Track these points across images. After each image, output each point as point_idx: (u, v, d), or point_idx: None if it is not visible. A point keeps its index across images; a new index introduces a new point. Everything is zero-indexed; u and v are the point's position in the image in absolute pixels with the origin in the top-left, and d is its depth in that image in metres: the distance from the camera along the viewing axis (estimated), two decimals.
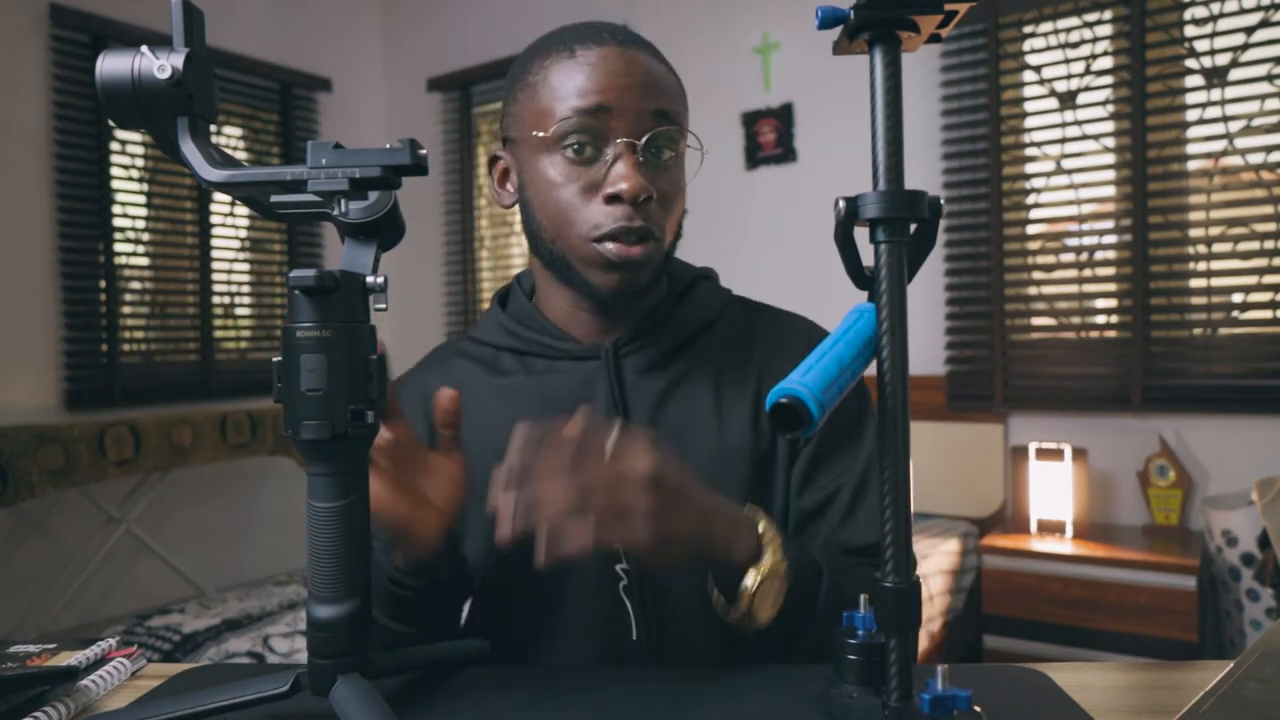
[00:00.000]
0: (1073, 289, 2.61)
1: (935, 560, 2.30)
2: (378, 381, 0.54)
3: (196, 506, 3.28)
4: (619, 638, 0.75)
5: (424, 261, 4.00)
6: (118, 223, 3.11)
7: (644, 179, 0.72)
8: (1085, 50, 2.56)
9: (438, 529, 0.67)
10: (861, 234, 0.54)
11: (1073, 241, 2.61)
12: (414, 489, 0.65)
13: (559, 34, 0.78)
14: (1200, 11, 2.39)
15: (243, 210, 3.51)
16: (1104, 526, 2.52)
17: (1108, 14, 2.54)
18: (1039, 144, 2.64)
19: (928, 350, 2.78)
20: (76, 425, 2.63)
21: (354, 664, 0.54)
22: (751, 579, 0.64)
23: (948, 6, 0.50)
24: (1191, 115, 2.43)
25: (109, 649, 0.71)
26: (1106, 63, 2.55)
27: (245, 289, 3.58)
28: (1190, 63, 2.41)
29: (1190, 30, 2.42)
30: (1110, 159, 2.55)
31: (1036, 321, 2.67)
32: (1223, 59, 2.37)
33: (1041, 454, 2.49)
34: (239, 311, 3.59)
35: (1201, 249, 2.41)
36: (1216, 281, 2.40)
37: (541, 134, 0.74)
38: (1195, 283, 2.44)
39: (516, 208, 0.82)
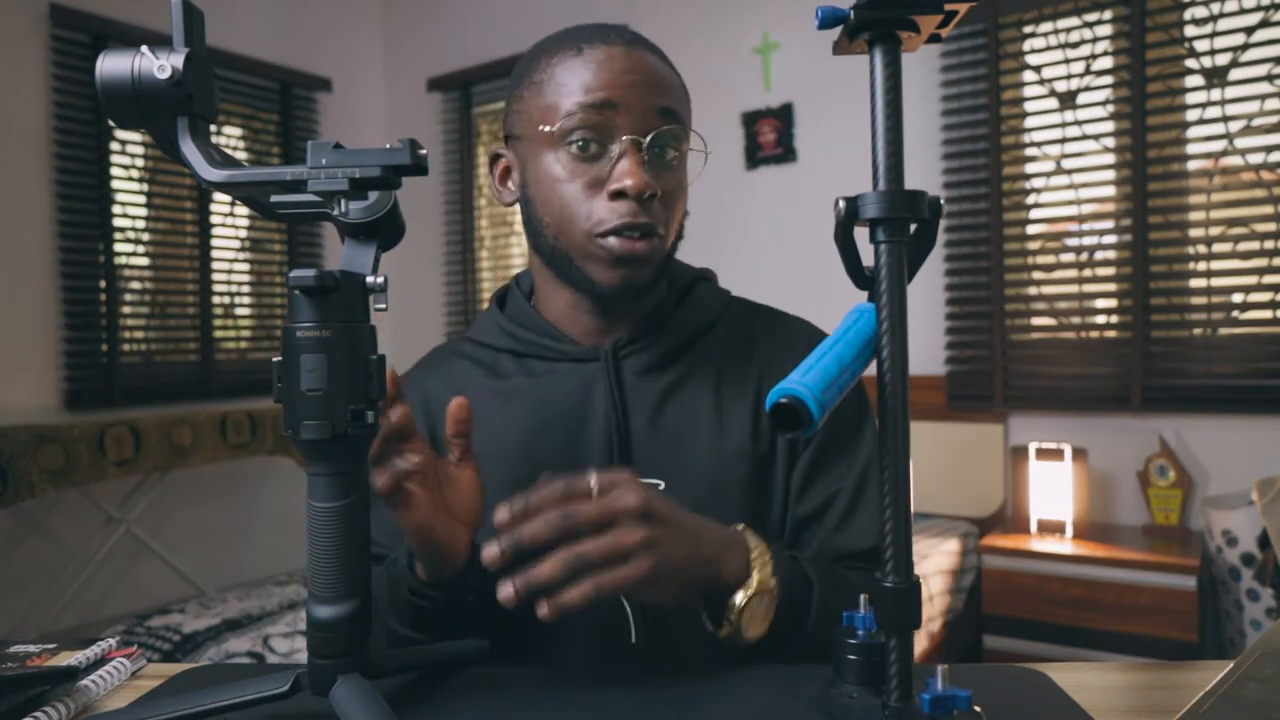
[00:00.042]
0: (1073, 289, 2.61)
1: (935, 560, 2.30)
2: (378, 382, 0.54)
3: (196, 506, 3.28)
4: (618, 641, 0.75)
5: (424, 261, 4.00)
6: (118, 223, 3.11)
7: (648, 176, 0.73)
8: (1085, 50, 2.56)
9: (467, 542, 0.66)
10: (861, 234, 0.54)
11: (1073, 241, 2.61)
12: (444, 505, 0.64)
13: (565, 34, 0.78)
14: (1200, 11, 2.39)
15: (243, 210, 3.51)
16: (1104, 526, 2.52)
17: (1108, 14, 2.54)
18: (1039, 144, 2.64)
19: (928, 350, 2.78)
20: (76, 425, 2.63)
21: (354, 664, 0.54)
22: (740, 597, 0.64)
23: (948, 6, 0.50)
24: (1191, 115, 2.43)
25: (109, 649, 0.70)
26: (1106, 63, 2.55)
27: (245, 289, 3.58)
28: (1190, 63, 2.41)
29: (1190, 30, 2.42)
30: (1110, 159, 2.55)
31: (1036, 321, 2.67)
32: (1223, 59, 2.37)
33: (1041, 454, 2.49)
34: (239, 311, 3.59)
35: (1201, 249, 2.41)
36: (1216, 281, 2.40)
37: (547, 128, 0.74)
38: (1195, 283, 2.44)
39: (517, 207, 0.82)
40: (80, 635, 2.55)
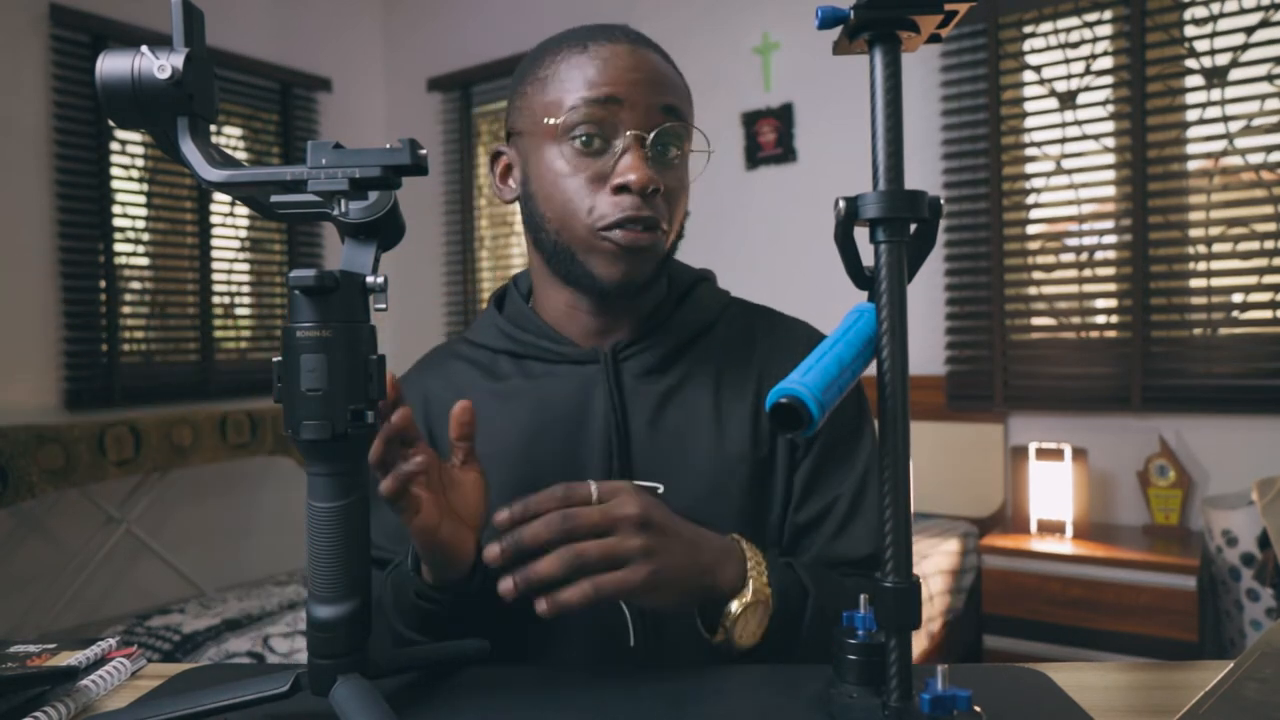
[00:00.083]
0: (1073, 289, 2.61)
1: (935, 560, 2.30)
2: (378, 382, 0.54)
3: (196, 506, 3.28)
4: (617, 644, 0.75)
5: (424, 261, 4.00)
6: (118, 223, 3.11)
7: (652, 172, 0.73)
8: (1085, 50, 2.56)
9: (473, 544, 0.66)
10: (861, 234, 0.54)
11: (1073, 241, 2.61)
12: (450, 508, 0.64)
13: (570, 32, 0.78)
14: (1200, 11, 2.39)
15: (243, 210, 3.51)
16: (1104, 526, 2.52)
17: (1108, 14, 2.54)
18: (1039, 144, 2.64)
19: (928, 350, 2.78)
20: (76, 425, 2.63)
21: (354, 664, 0.54)
22: (735, 606, 0.66)
23: (948, 6, 0.50)
24: (1191, 115, 2.43)
25: (109, 649, 0.70)
26: (1106, 63, 2.55)
27: (245, 289, 3.58)
28: (1190, 63, 2.41)
29: (1190, 30, 2.42)
30: (1110, 159, 2.55)
31: (1036, 321, 2.67)
32: (1223, 59, 2.37)
33: (1041, 454, 2.49)
34: (239, 311, 3.59)
35: (1201, 249, 2.41)
36: (1216, 281, 2.40)
37: (552, 120, 0.74)
38: (1195, 283, 2.44)
39: (517, 205, 0.82)
40: (80, 635, 2.55)
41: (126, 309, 3.18)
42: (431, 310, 3.98)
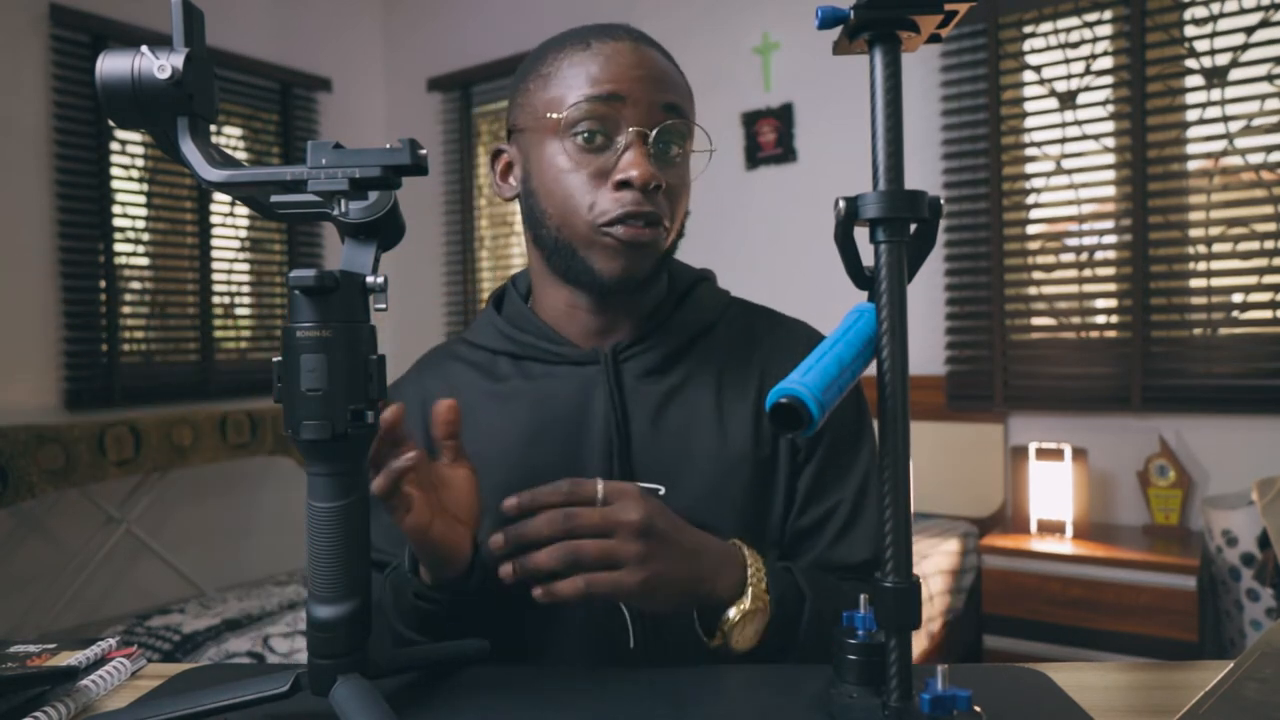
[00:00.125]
0: (1073, 289, 2.61)
1: (935, 560, 2.30)
2: (378, 382, 0.54)
3: (196, 506, 3.28)
4: (617, 646, 0.75)
5: (424, 261, 4.00)
6: (118, 223, 3.11)
7: (654, 168, 0.73)
8: (1085, 50, 2.56)
9: (469, 542, 0.66)
10: (861, 234, 0.54)
11: (1073, 241, 2.61)
12: (442, 507, 0.65)
13: (572, 31, 0.78)
14: (1200, 11, 2.39)
15: (243, 210, 3.51)
16: (1104, 526, 2.52)
17: (1108, 14, 2.54)
18: (1039, 144, 2.64)
19: (928, 350, 2.78)
20: (76, 425, 2.63)
21: (354, 664, 0.54)
22: (733, 613, 0.67)
23: (948, 6, 0.50)
24: (1191, 115, 2.43)
25: (109, 649, 0.70)
26: (1106, 63, 2.55)
27: (245, 289, 3.58)
28: (1190, 63, 2.41)
29: (1190, 30, 2.42)
30: (1110, 159, 2.55)
31: (1036, 321, 2.67)
32: (1223, 59, 2.37)
33: (1041, 454, 2.49)
34: (239, 311, 3.59)
35: (1201, 249, 2.41)
36: (1216, 281, 2.40)
37: (554, 115, 0.74)
38: (1195, 283, 2.44)
39: (517, 204, 0.82)
40: (80, 635, 2.55)
41: (126, 309, 3.18)
42: (431, 310, 3.98)
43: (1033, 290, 2.67)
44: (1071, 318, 2.62)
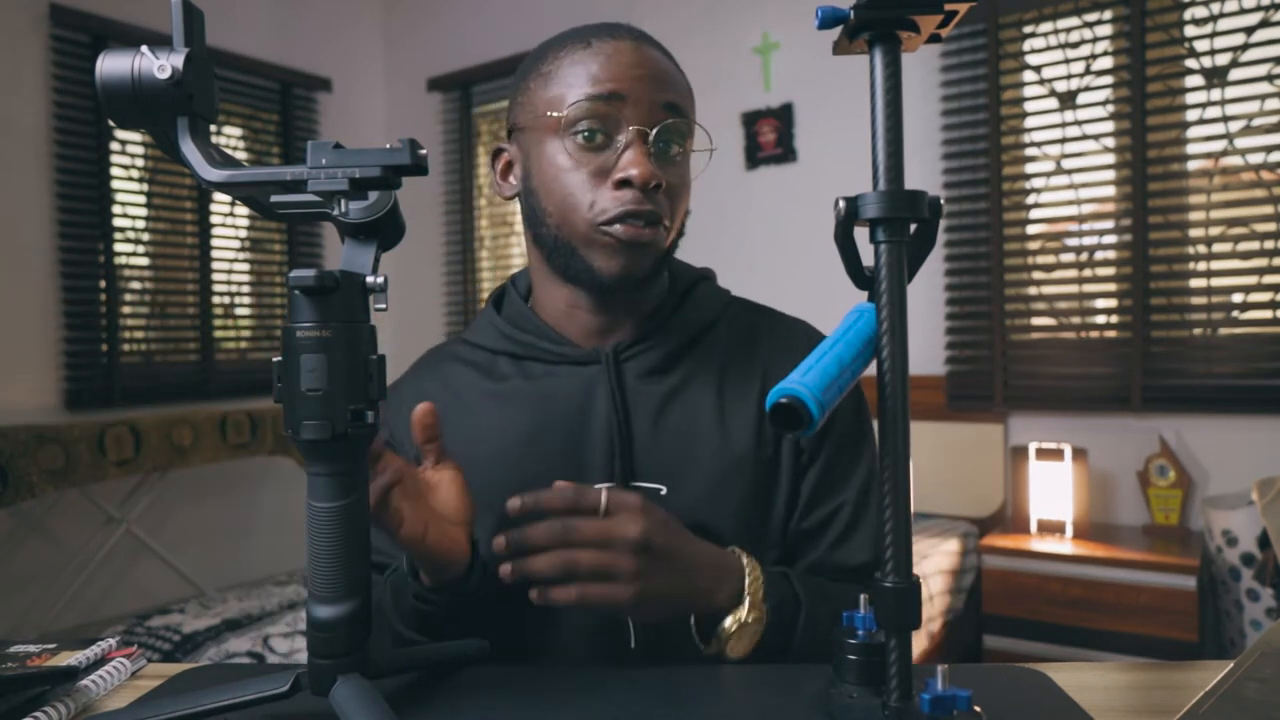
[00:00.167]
0: (1073, 289, 2.61)
1: (935, 560, 2.30)
2: (378, 382, 0.54)
3: (196, 506, 3.28)
4: (617, 646, 0.75)
5: (424, 261, 4.00)
6: (118, 223, 3.11)
7: (654, 167, 0.73)
8: (1085, 50, 2.56)
9: (465, 543, 0.67)
10: (861, 234, 0.54)
11: (1073, 241, 2.61)
12: (434, 512, 0.65)
13: (573, 30, 0.78)
14: (1200, 11, 2.39)
15: (243, 210, 3.51)
16: (1104, 526, 2.52)
17: (1108, 14, 2.54)
18: (1039, 144, 2.64)
19: (928, 350, 2.78)
20: (76, 425, 2.63)
21: (354, 664, 0.54)
22: (729, 623, 0.67)
23: (948, 6, 0.50)
24: (1191, 115, 2.43)
25: (109, 649, 0.70)
26: (1106, 63, 2.55)
27: (245, 289, 3.58)
28: (1190, 63, 2.41)
29: (1190, 30, 2.42)
30: (1110, 159, 2.55)
31: (1036, 321, 2.67)
32: (1223, 59, 2.37)
33: (1041, 454, 2.49)
34: (239, 311, 3.59)
35: (1201, 249, 2.41)
36: (1216, 281, 2.40)
37: (554, 114, 0.74)
38: (1195, 283, 2.44)
39: (517, 203, 0.82)
40: (80, 635, 2.55)
41: (126, 309, 3.18)
42: (431, 310, 3.98)
43: (1033, 290, 2.67)
44: (1071, 318, 2.62)
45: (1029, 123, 2.67)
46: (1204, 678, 0.56)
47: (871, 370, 0.54)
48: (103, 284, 3.05)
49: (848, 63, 2.68)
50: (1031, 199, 2.67)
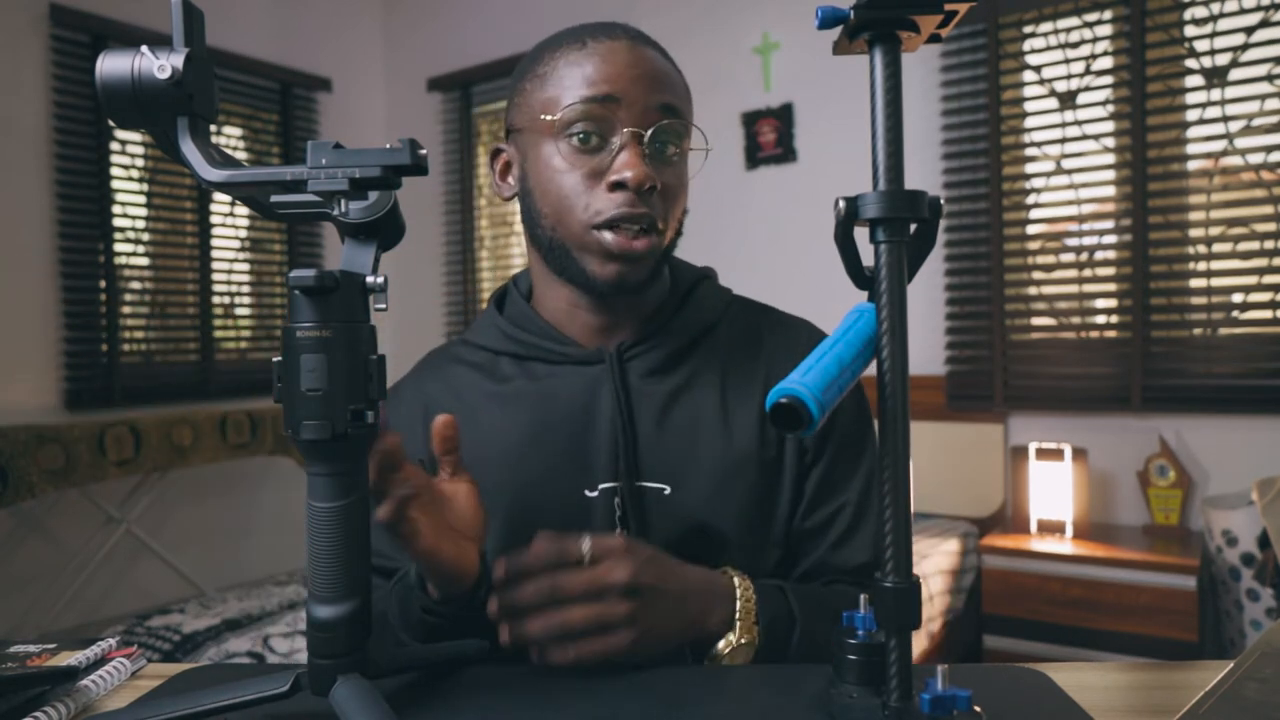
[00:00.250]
0: (1073, 289, 2.61)
1: (935, 560, 2.30)
2: (378, 382, 0.54)
3: (196, 506, 3.28)
4: None
5: (424, 261, 4.00)
6: (118, 223, 3.11)
7: (648, 169, 0.73)
8: (1085, 50, 2.56)
9: (475, 556, 0.66)
10: (861, 234, 0.54)
11: (1073, 241, 2.61)
12: (447, 525, 0.64)
13: (570, 30, 0.78)
14: (1200, 11, 2.39)
15: (243, 210, 3.51)
16: (1104, 526, 2.52)
17: (1108, 14, 2.54)
18: (1039, 144, 2.64)
19: (928, 350, 2.78)
20: (76, 425, 2.63)
21: (354, 664, 0.54)
22: (722, 646, 0.67)
23: (948, 6, 0.50)
24: (1191, 115, 2.43)
25: (109, 649, 0.70)
26: (1106, 63, 2.55)
27: (245, 289, 3.58)
28: (1190, 63, 2.41)
29: (1190, 30, 2.42)
30: (1110, 159, 2.55)
31: (1036, 321, 2.67)
32: (1223, 59, 2.37)
33: (1041, 454, 2.49)
34: (239, 311, 3.59)
35: (1201, 249, 2.41)
36: (1216, 281, 2.40)
37: (549, 117, 0.74)
38: (1195, 283, 2.44)
39: (517, 202, 0.82)
40: (80, 635, 2.55)
41: (126, 309, 3.18)
42: (431, 310, 3.98)
43: (1033, 290, 2.67)
44: (1071, 318, 2.62)
45: (1029, 123, 2.67)
46: (1204, 678, 0.56)
47: (871, 370, 0.54)
48: (103, 284, 3.05)
49: (848, 63, 2.68)
50: (1031, 199, 2.67)
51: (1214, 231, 2.39)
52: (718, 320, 0.84)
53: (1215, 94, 2.38)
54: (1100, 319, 2.60)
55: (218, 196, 3.33)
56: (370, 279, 0.54)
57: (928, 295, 2.77)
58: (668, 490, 0.75)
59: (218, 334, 3.47)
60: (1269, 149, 2.31)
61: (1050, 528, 2.43)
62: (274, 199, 0.57)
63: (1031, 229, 2.67)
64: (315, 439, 0.51)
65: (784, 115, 3.06)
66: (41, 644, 0.73)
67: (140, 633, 2.22)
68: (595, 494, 0.76)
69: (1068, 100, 2.58)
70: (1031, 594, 2.29)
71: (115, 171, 3.10)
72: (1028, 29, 2.65)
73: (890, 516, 0.52)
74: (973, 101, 2.72)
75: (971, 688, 0.50)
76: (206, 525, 3.31)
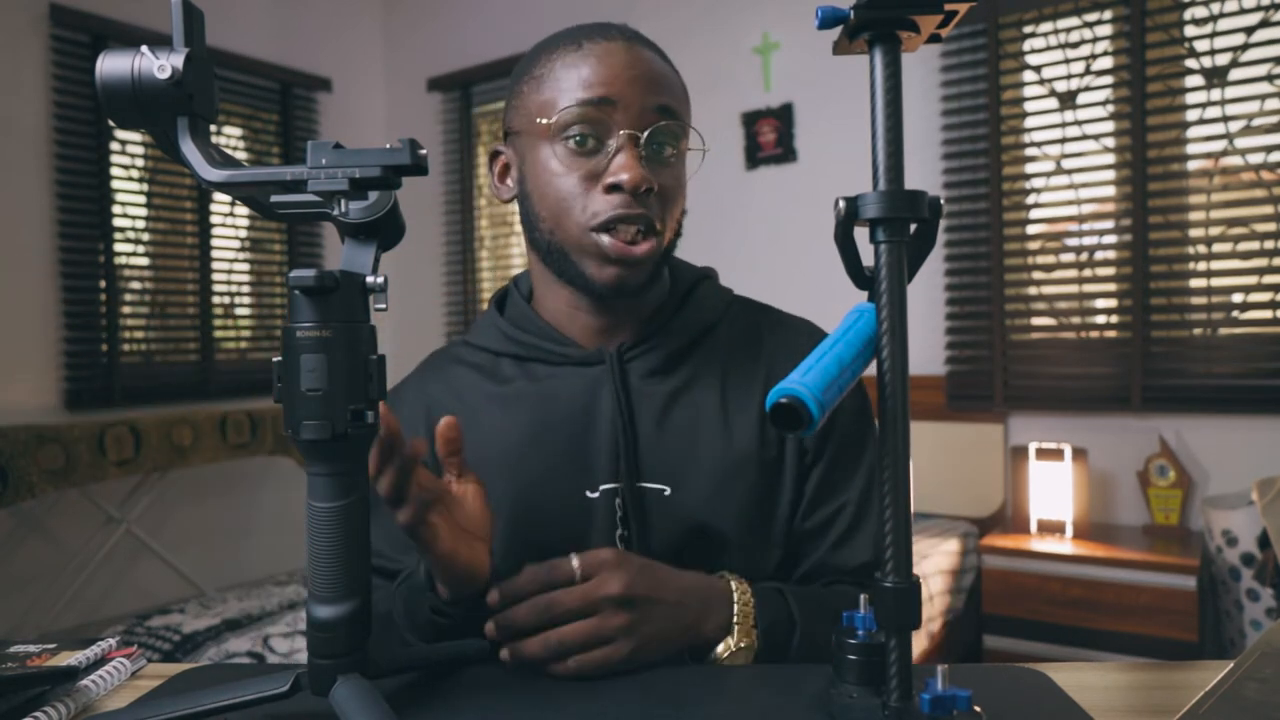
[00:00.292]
0: (1073, 289, 2.61)
1: (935, 560, 2.30)
2: (378, 382, 0.54)
3: (196, 506, 3.28)
4: None
5: (424, 261, 4.00)
6: (118, 223, 3.11)
7: (645, 171, 0.73)
8: (1085, 50, 2.56)
9: (487, 556, 0.66)
10: (861, 234, 0.54)
11: (1073, 241, 2.61)
12: (459, 527, 0.64)
13: (567, 31, 0.78)
14: (1200, 11, 2.39)
15: (243, 210, 3.51)
16: (1104, 526, 2.52)
17: (1108, 14, 2.54)
18: (1039, 144, 2.63)
19: (928, 350, 2.78)
20: (76, 425, 2.63)
21: (354, 664, 0.54)
22: (720, 649, 0.67)
23: (948, 6, 0.50)
24: (1191, 115, 2.43)
25: (109, 649, 0.70)
26: (1106, 63, 2.55)
27: (245, 289, 3.58)
28: (1190, 63, 2.41)
29: (1190, 30, 2.42)
30: (1110, 159, 2.55)
31: (1036, 321, 2.67)
32: (1223, 59, 2.37)
33: (1041, 454, 2.49)
34: (239, 311, 3.59)
35: (1201, 249, 2.41)
36: (1216, 281, 2.40)
37: (545, 121, 0.74)
38: (1195, 283, 2.44)
39: (515, 203, 0.82)
40: (80, 635, 2.55)
41: (126, 309, 3.18)
42: (431, 310, 3.98)
43: (1033, 290, 2.67)
44: (1071, 318, 2.62)
45: (1029, 123, 2.67)
46: (1204, 678, 0.56)
47: (871, 370, 0.54)
48: (103, 284, 3.05)
49: (848, 63, 2.68)
50: (1031, 199, 2.67)
51: (1214, 231, 2.39)
52: (718, 320, 0.84)
53: (1215, 94, 2.37)
54: (1100, 319, 2.60)
55: (218, 196, 3.33)
56: (370, 279, 0.54)
57: (928, 295, 2.77)
58: (668, 491, 0.75)
59: (218, 334, 3.47)
60: (1269, 149, 2.31)
61: (1050, 528, 2.43)
62: (274, 199, 0.57)
63: (1031, 229, 2.67)
64: (315, 439, 0.51)
65: (784, 115, 3.06)
66: (41, 644, 0.73)
67: (140, 633, 2.22)
68: (596, 495, 0.76)
69: (1068, 100, 2.58)
70: (1031, 594, 2.29)
71: (115, 171, 3.10)
72: (1028, 29, 2.65)
73: (890, 516, 0.52)
74: (973, 101, 2.72)
75: (971, 688, 0.50)
76: (206, 525, 3.31)
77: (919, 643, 2.15)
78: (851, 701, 0.53)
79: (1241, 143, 2.35)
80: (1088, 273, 2.59)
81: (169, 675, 0.68)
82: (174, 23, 0.53)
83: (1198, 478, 2.41)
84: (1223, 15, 2.36)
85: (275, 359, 0.53)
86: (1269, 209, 2.32)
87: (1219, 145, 2.38)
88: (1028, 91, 2.67)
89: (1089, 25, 2.55)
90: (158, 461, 2.81)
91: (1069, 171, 2.59)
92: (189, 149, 0.54)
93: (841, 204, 0.53)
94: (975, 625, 2.45)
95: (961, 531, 2.50)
